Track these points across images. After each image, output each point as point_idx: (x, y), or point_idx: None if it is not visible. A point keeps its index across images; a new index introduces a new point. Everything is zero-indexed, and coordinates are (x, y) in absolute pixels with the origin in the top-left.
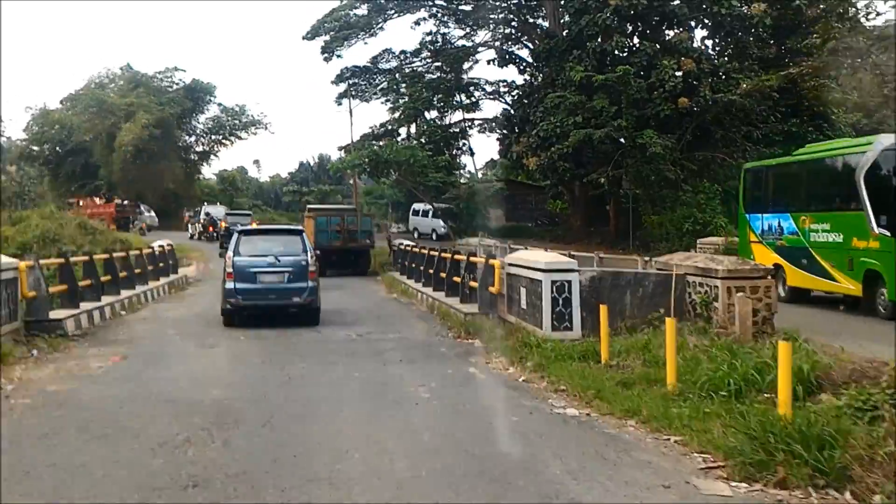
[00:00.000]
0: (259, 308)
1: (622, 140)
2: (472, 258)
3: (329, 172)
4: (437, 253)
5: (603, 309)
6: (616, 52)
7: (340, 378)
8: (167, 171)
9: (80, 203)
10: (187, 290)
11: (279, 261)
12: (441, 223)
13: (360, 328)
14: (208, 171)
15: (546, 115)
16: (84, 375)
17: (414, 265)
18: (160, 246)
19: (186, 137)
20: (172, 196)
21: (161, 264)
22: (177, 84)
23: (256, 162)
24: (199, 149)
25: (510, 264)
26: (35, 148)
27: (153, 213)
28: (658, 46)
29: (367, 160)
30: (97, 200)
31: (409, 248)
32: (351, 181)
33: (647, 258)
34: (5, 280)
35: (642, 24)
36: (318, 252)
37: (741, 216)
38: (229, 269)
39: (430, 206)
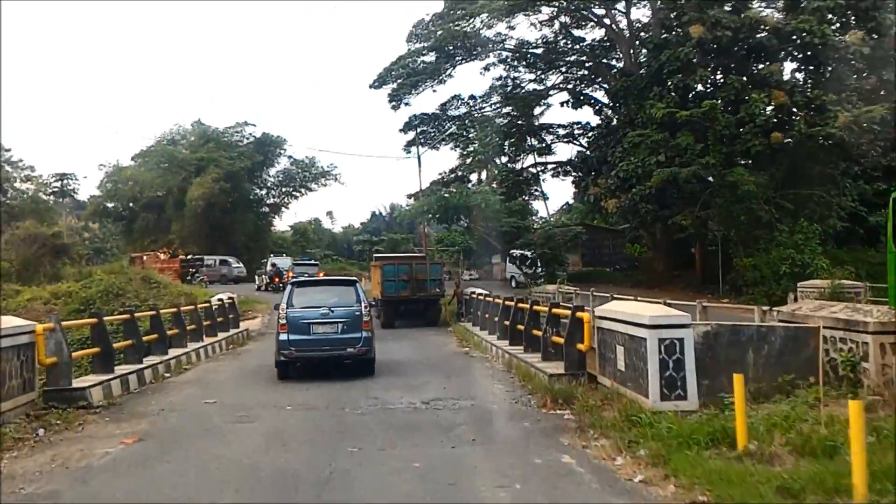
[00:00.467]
0: (313, 359)
1: (710, 178)
2: (554, 310)
3: (399, 221)
4: (512, 303)
5: (738, 379)
6: (700, 86)
7: (395, 472)
8: (238, 223)
9: (144, 258)
10: (246, 345)
11: (332, 311)
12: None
13: (426, 392)
14: (281, 224)
15: (625, 154)
16: (80, 467)
17: (487, 316)
18: (219, 300)
19: (257, 190)
20: (244, 248)
21: (220, 318)
22: (247, 138)
23: (330, 213)
24: (270, 201)
25: (602, 317)
26: (109, 204)
27: (241, 265)
28: (745, 80)
29: (436, 206)
30: (161, 255)
31: (481, 298)
32: (422, 229)
33: (765, 308)
34: (15, 346)
35: (727, 58)
36: (385, 302)
37: (892, 255)
38: (282, 321)
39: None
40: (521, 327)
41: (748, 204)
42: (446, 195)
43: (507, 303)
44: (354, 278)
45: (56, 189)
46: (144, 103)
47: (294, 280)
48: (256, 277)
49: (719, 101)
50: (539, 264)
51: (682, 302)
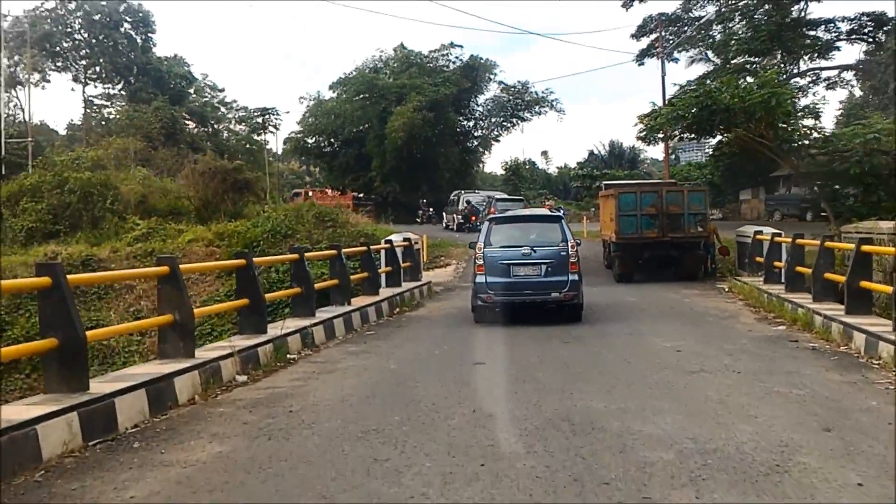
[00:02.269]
0: (513, 305)
1: None
2: None
3: (622, 158)
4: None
5: None
6: None
7: None
8: (442, 158)
9: (310, 194)
10: (421, 307)
11: (535, 251)
12: None
13: None
14: (491, 161)
15: None
16: None
17: (809, 272)
18: (387, 242)
19: (464, 121)
20: (450, 186)
21: (388, 269)
22: (453, 62)
23: (544, 153)
24: (478, 133)
25: None
26: (309, 140)
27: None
28: None
29: (696, 108)
30: (328, 192)
31: (778, 241)
32: (648, 163)
33: None
34: None
35: None
36: (622, 246)
37: None
38: (479, 262)
39: None
40: None
41: None
42: (712, 90)
43: (865, 249)
44: (559, 214)
45: (258, 125)
46: (350, 29)
47: (493, 216)
48: (444, 215)
49: None
50: (856, 191)
51: None
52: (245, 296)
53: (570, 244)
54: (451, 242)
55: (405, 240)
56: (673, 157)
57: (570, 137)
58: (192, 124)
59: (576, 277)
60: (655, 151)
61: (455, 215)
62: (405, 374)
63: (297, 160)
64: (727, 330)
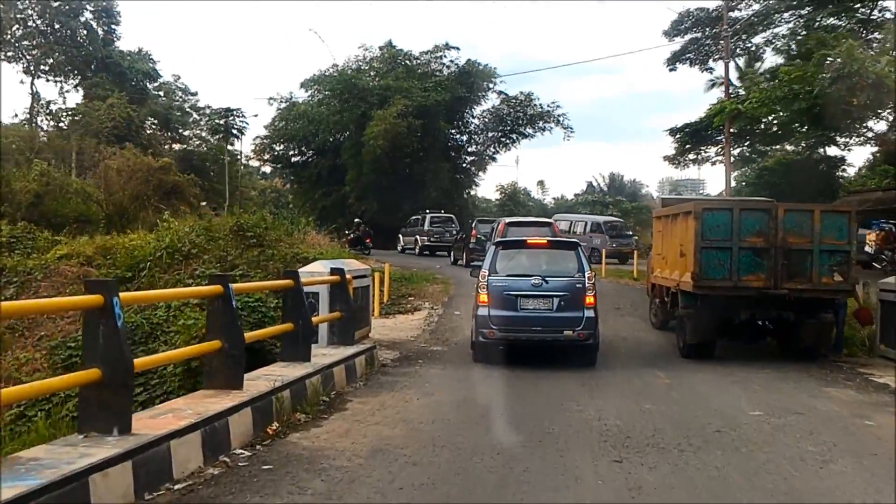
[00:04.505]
0: (519, 342)
1: None
2: None
3: (622, 192)
4: None
5: None
6: None
7: None
8: (430, 175)
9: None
10: (334, 413)
11: (546, 282)
12: None
13: None
14: (485, 184)
15: None
16: None
17: None
18: (288, 276)
19: (457, 135)
20: (437, 208)
21: (290, 325)
22: (447, 66)
23: (541, 183)
24: (473, 149)
25: None
26: (277, 147)
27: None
28: None
29: (826, 82)
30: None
31: None
32: (649, 197)
33: None
34: None
35: None
36: (701, 297)
37: None
38: (482, 292)
39: None
40: None
41: None
42: (858, 57)
43: None
44: (575, 241)
45: (220, 126)
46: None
47: (499, 240)
48: (400, 237)
49: None
50: None
51: None
52: None
53: (587, 275)
54: (428, 276)
55: (334, 272)
56: (673, 192)
57: (565, 172)
58: (156, 127)
59: (592, 314)
60: (654, 185)
61: (422, 237)
62: None
63: (281, 177)
64: None
